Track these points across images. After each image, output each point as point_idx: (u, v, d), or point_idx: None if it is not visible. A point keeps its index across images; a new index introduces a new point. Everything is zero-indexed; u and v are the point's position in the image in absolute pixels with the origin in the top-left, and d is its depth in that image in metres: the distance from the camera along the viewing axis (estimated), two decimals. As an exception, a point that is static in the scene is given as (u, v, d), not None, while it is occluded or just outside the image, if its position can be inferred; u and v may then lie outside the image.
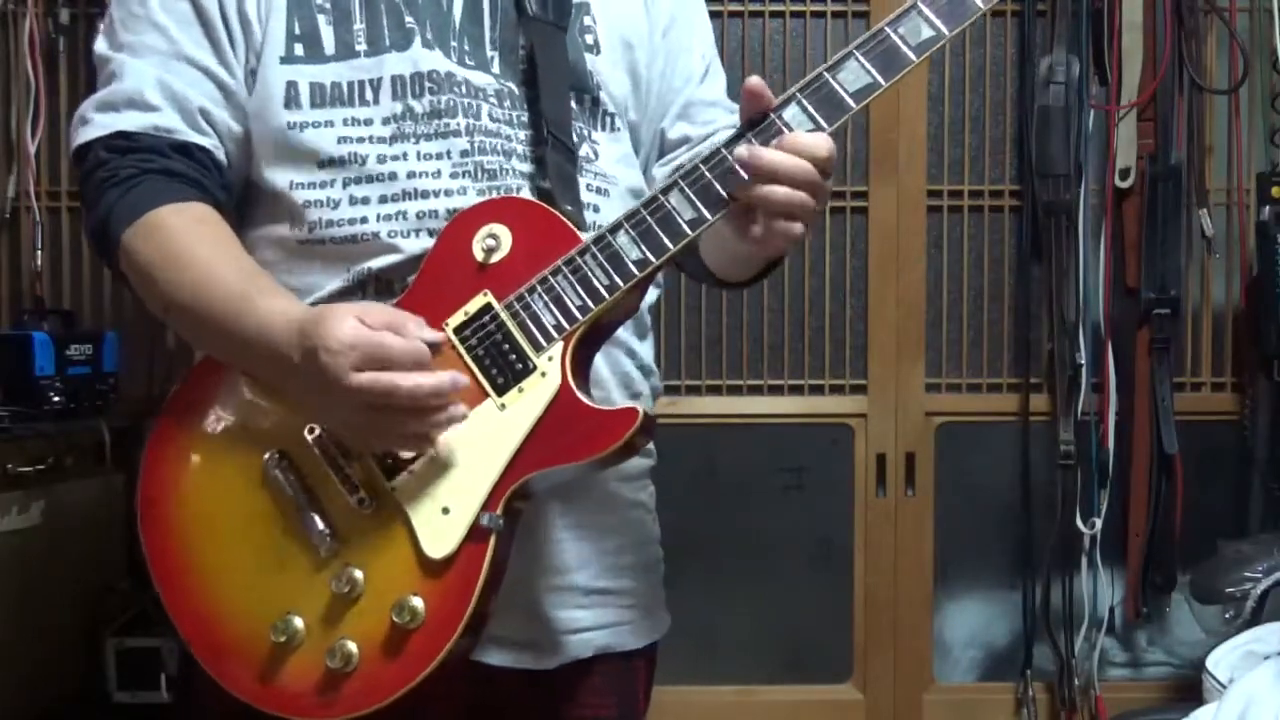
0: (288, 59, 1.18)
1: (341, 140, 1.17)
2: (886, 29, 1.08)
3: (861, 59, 1.08)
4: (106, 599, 2.17)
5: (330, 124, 1.17)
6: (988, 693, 2.62)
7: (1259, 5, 2.57)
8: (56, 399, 2.13)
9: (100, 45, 1.21)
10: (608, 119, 1.27)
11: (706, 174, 1.09)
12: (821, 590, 2.60)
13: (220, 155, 1.19)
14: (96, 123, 1.17)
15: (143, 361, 2.45)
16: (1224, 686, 1.97)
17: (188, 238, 1.12)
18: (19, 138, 2.49)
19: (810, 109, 1.08)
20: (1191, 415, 2.58)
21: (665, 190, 1.09)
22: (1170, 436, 2.51)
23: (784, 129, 1.08)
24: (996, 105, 2.62)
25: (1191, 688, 2.24)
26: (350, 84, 1.17)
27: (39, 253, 2.50)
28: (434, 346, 1.05)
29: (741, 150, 1.07)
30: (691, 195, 1.09)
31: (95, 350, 2.25)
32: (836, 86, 1.08)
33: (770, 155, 1.06)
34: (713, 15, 2.56)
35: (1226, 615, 2.19)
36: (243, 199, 1.23)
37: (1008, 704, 2.61)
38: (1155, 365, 2.54)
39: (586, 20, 1.28)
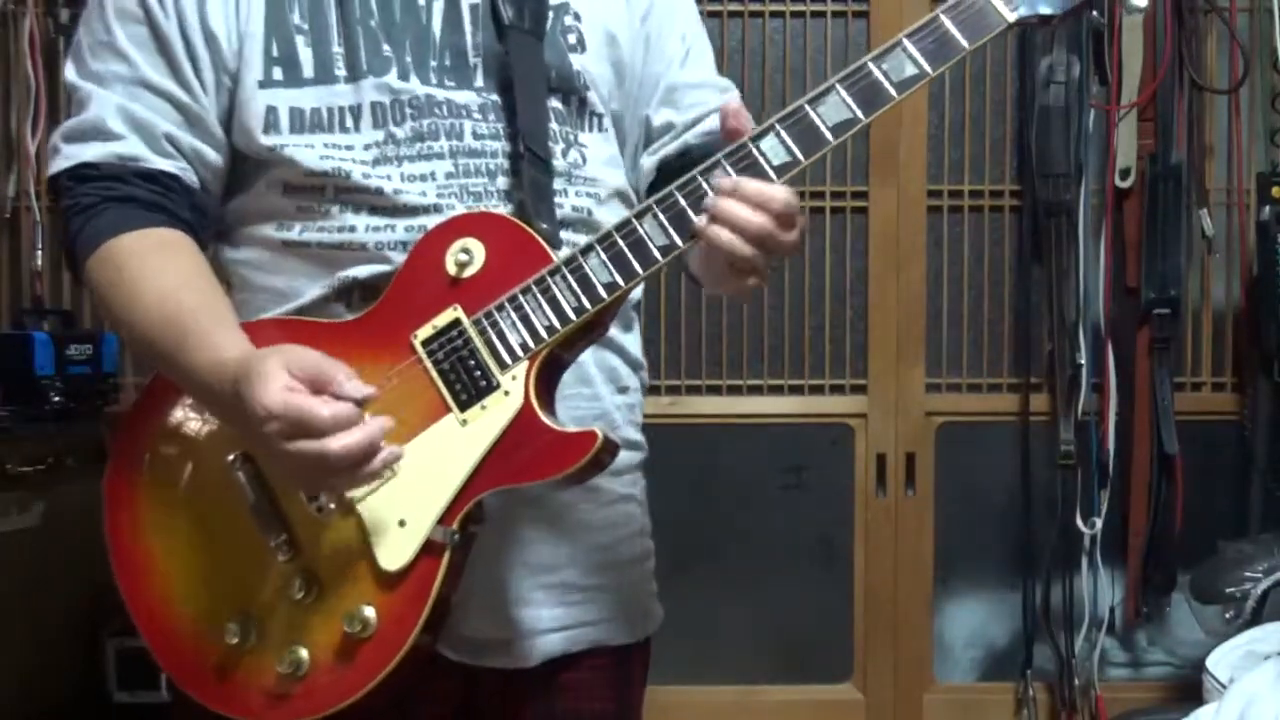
0: (266, 83, 1.16)
1: (324, 158, 1.16)
2: (870, 64, 1.08)
3: (843, 93, 1.07)
4: (106, 599, 2.15)
5: (311, 146, 1.16)
6: (988, 693, 2.62)
7: (1259, 5, 2.57)
8: (56, 399, 2.13)
9: (69, 73, 1.21)
10: (595, 119, 1.27)
11: (680, 201, 1.08)
12: (821, 590, 2.60)
13: (190, 178, 1.18)
14: (64, 153, 1.17)
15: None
16: (1224, 686, 1.96)
17: (141, 268, 1.13)
18: (19, 138, 2.50)
19: (788, 141, 1.07)
20: (1191, 415, 2.58)
21: (640, 215, 1.09)
22: (1170, 436, 2.52)
23: (760, 158, 1.07)
24: (996, 105, 2.62)
25: (1191, 688, 2.24)
26: (330, 110, 1.16)
27: (39, 253, 2.51)
28: (363, 401, 1.03)
29: (714, 191, 1.07)
30: (664, 222, 1.08)
31: (95, 350, 2.25)
32: (816, 119, 1.07)
33: (725, 205, 1.06)
34: (713, 15, 2.60)
35: (1226, 615, 2.19)
36: (233, 190, 1.22)
37: (1008, 704, 2.61)
38: (1155, 365, 2.54)
39: (568, 19, 1.26)
